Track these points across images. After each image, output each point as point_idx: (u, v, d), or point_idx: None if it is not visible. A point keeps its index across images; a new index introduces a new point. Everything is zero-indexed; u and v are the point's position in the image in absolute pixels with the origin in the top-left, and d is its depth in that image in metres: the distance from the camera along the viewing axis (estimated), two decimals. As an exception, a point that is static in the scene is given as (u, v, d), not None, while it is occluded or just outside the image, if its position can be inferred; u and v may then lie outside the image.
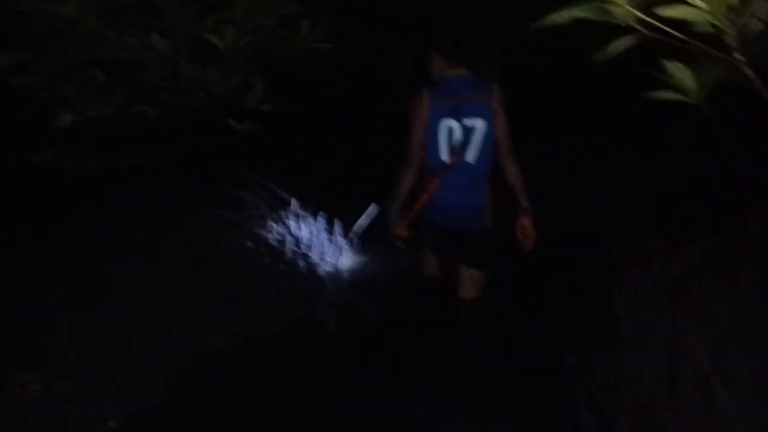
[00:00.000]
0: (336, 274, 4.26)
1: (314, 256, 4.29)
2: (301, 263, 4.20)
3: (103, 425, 2.77)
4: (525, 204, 3.19)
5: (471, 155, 3.18)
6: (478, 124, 3.15)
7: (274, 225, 4.31)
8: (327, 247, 4.38)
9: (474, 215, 3.29)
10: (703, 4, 1.59)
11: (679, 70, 1.78)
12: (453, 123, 3.15)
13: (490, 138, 3.17)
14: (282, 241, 4.26)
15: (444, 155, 3.19)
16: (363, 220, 4.39)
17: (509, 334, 3.47)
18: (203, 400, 2.93)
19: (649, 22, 1.71)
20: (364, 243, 4.38)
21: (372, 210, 4.37)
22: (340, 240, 4.42)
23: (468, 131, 3.15)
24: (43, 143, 3.64)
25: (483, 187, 3.28)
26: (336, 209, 4.47)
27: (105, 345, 3.07)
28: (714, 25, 1.63)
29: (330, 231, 4.45)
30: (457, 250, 3.39)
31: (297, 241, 4.30)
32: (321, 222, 4.44)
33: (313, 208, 4.46)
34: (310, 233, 4.38)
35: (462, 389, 2.96)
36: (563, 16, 1.78)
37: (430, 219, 3.33)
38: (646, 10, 1.70)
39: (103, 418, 2.79)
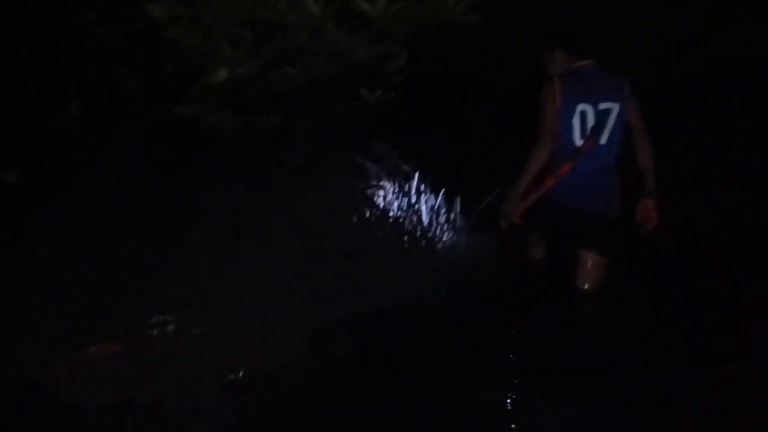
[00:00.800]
0: (451, 252, 4.21)
1: (432, 232, 4.26)
2: (418, 238, 4.17)
3: (235, 375, 2.83)
4: (650, 186, 3.19)
5: (604, 138, 3.20)
6: (612, 107, 3.17)
7: (397, 197, 4.30)
8: (445, 224, 4.35)
9: (604, 200, 3.29)
10: None
11: None
12: (586, 107, 3.18)
13: (621, 120, 3.20)
14: (402, 215, 4.25)
15: (577, 140, 3.20)
16: (486, 201, 4.33)
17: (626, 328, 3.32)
18: (338, 363, 2.95)
19: None
20: (483, 223, 4.32)
21: (496, 192, 4.31)
22: (460, 218, 4.37)
23: (601, 114, 3.17)
24: (188, 96, 3.74)
25: (614, 172, 3.29)
26: (459, 187, 4.42)
27: (242, 298, 3.14)
28: None
29: (450, 208, 4.41)
30: (583, 235, 3.34)
31: (416, 215, 4.28)
32: (442, 198, 4.40)
33: (436, 183, 4.42)
34: (431, 208, 4.35)
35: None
36: None
37: (556, 201, 3.31)
38: None
39: (236, 369, 2.84)
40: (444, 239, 4.18)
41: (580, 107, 3.18)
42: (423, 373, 2.89)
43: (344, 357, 2.99)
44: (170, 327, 3.08)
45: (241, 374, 2.85)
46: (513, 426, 2.50)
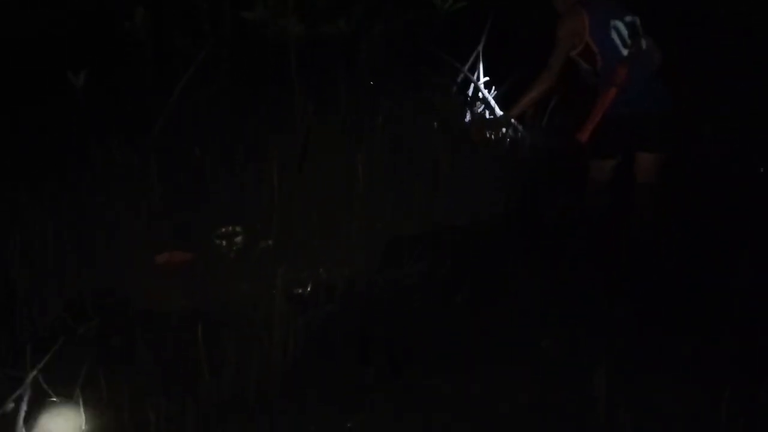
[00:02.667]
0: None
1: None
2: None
3: (303, 289, 2.81)
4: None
5: (644, 43, 3.47)
6: (635, 19, 3.48)
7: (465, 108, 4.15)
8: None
9: (659, 97, 3.51)
10: None
11: None
12: (617, 22, 3.44)
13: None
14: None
15: (622, 49, 3.43)
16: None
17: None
18: (406, 280, 2.91)
19: None
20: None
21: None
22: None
23: (631, 25, 3.46)
24: (254, 2, 3.64)
25: (661, 73, 3.54)
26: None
27: (310, 211, 3.10)
28: None
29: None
30: (640, 137, 3.54)
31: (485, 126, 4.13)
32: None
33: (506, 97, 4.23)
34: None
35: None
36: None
37: (615, 112, 3.45)
38: None
39: (304, 284, 2.82)
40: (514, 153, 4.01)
41: (612, 23, 3.43)
42: (491, 295, 2.84)
43: (414, 274, 2.94)
44: (239, 238, 3.08)
45: (309, 288, 2.83)
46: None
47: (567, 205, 3.69)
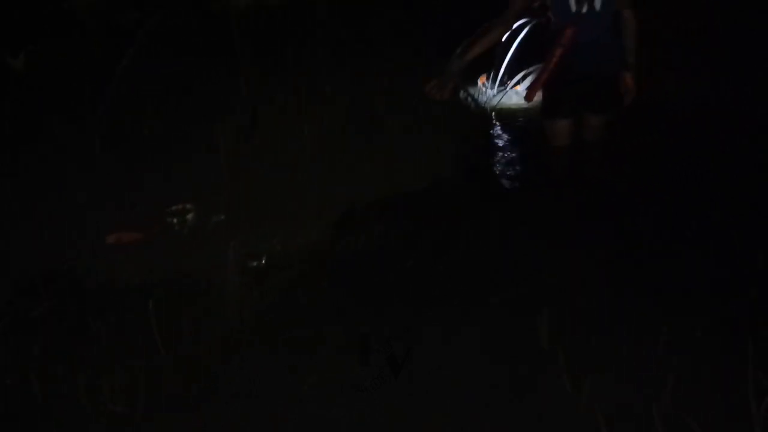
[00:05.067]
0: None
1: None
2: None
3: (257, 261, 2.82)
4: (631, 61, 3.40)
5: (597, 4, 3.32)
6: None
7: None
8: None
9: (609, 58, 3.42)
10: None
11: None
12: None
13: None
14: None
15: (573, 5, 3.32)
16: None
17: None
18: (360, 248, 2.93)
19: None
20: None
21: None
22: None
23: None
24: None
25: (613, 36, 3.43)
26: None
27: (262, 183, 3.10)
28: None
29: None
30: (587, 98, 3.50)
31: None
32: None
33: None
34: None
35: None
36: None
37: (566, 71, 3.38)
38: None
39: (257, 256, 2.83)
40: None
41: None
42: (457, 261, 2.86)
43: (364, 242, 2.95)
44: (190, 215, 3.07)
45: (263, 260, 2.84)
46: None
47: (520, 166, 3.72)
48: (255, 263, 2.84)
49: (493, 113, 4.31)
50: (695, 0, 5.04)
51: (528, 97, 3.49)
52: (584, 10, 3.35)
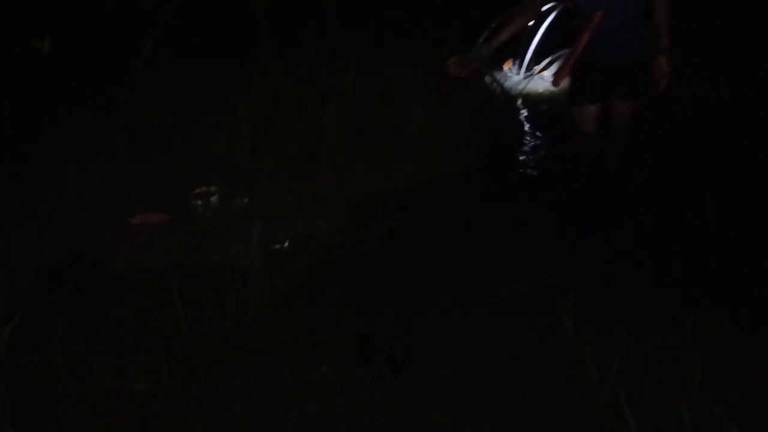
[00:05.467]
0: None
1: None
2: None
3: (280, 245, 2.81)
4: (665, 44, 3.34)
5: None
6: None
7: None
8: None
9: (635, 45, 3.39)
10: None
11: None
12: None
13: None
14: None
15: None
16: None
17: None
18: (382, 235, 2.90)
19: None
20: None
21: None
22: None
23: None
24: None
25: (640, 23, 3.39)
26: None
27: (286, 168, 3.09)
28: None
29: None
30: (614, 85, 3.48)
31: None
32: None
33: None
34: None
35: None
36: None
37: (593, 57, 3.36)
38: None
39: (280, 239, 2.82)
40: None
41: None
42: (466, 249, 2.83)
43: (389, 229, 2.92)
44: (214, 198, 3.06)
45: (286, 244, 2.82)
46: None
47: (547, 153, 3.68)
48: (278, 246, 2.83)
49: (520, 99, 4.25)
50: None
51: (555, 82, 3.50)
52: None
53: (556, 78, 3.48)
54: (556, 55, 4.32)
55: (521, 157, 3.68)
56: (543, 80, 4.37)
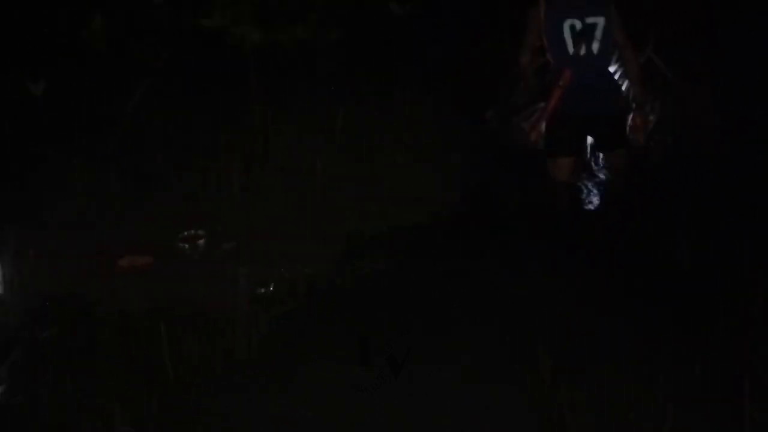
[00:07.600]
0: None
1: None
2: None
3: (266, 288, 2.84)
4: (639, 97, 3.58)
5: (595, 47, 3.47)
6: (598, 21, 3.44)
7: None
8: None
9: (609, 98, 3.56)
10: None
11: None
12: (575, 21, 3.43)
13: (610, 33, 3.48)
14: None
15: (570, 48, 3.46)
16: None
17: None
18: (367, 275, 2.96)
19: None
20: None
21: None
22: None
23: (590, 28, 3.45)
24: (212, 9, 3.66)
25: (611, 76, 3.63)
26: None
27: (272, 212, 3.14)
28: None
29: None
30: (592, 137, 3.70)
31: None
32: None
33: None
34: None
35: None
36: None
37: (565, 112, 3.51)
38: None
39: (267, 283, 2.86)
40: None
41: (568, 22, 3.44)
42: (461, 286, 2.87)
43: (373, 271, 2.97)
44: (201, 241, 3.10)
45: (272, 287, 2.86)
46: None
47: (526, 202, 3.75)
48: (264, 290, 2.87)
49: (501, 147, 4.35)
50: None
51: (531, 136, 3.64)
52: (582, 52, 3.45)
53: (530, 132, 3.62)
54: (534, 107, 4.47)
55: (505, 204, 3.76)
56: (520, 131, 4.49)
